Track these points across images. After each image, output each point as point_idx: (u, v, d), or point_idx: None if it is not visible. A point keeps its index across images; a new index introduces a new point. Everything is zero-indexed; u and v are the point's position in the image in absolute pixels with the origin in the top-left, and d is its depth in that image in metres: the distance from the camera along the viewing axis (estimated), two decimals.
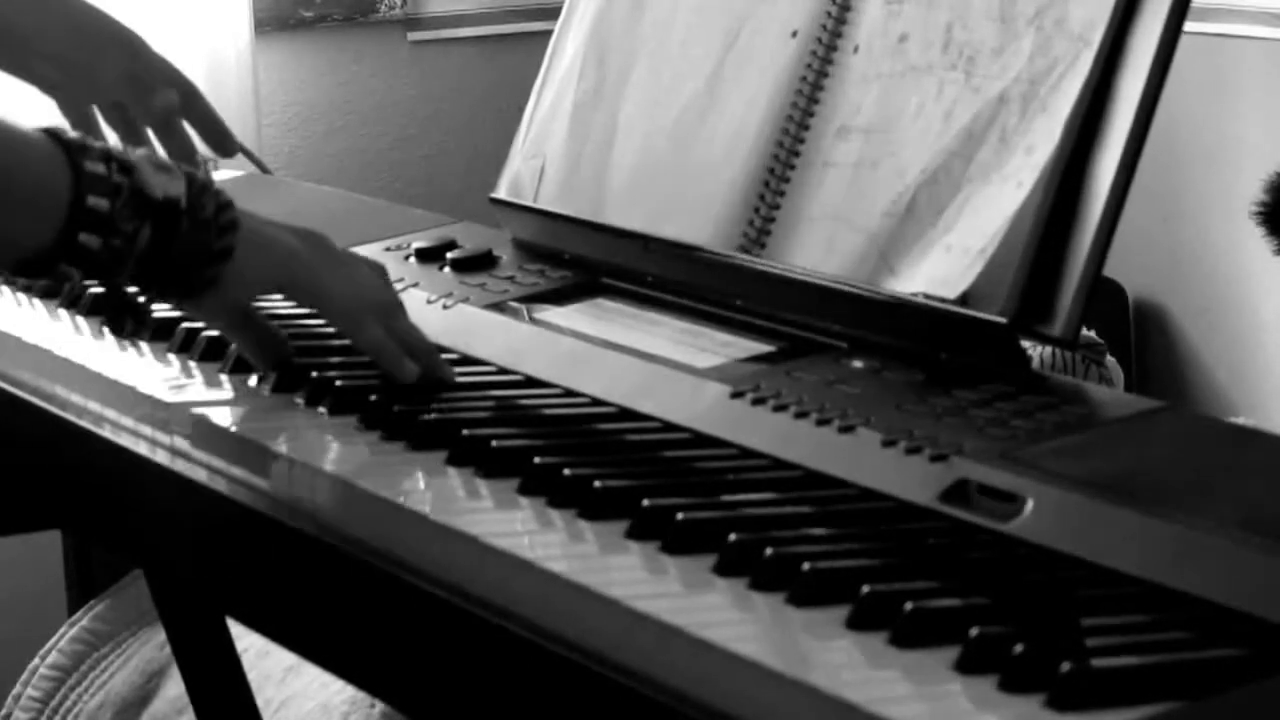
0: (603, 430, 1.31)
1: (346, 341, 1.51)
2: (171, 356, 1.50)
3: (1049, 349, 2.47)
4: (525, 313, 1.51)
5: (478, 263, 1.60)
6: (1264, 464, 1.17)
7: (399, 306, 1.42)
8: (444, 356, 1.45)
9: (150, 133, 1.77)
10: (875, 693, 0.94)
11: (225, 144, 1.79)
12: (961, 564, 1.08)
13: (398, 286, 1.57)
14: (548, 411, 1.34)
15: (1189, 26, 1.27)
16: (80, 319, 1.60)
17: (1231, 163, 2.95)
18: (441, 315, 1.51)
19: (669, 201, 1.52)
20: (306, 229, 1.42)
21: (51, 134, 1.31)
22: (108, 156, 1.31)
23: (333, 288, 1.39)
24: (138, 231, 1.31)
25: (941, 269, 1.31)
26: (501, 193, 1.66)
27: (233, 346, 1.46)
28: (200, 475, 1.33)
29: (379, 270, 1.44)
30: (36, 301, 1.66)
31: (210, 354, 1.48)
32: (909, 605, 1.00)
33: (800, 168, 1.43)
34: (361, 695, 2.01)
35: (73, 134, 1.31)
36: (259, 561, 1.32)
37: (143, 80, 1.74)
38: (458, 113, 3.23)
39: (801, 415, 1.25)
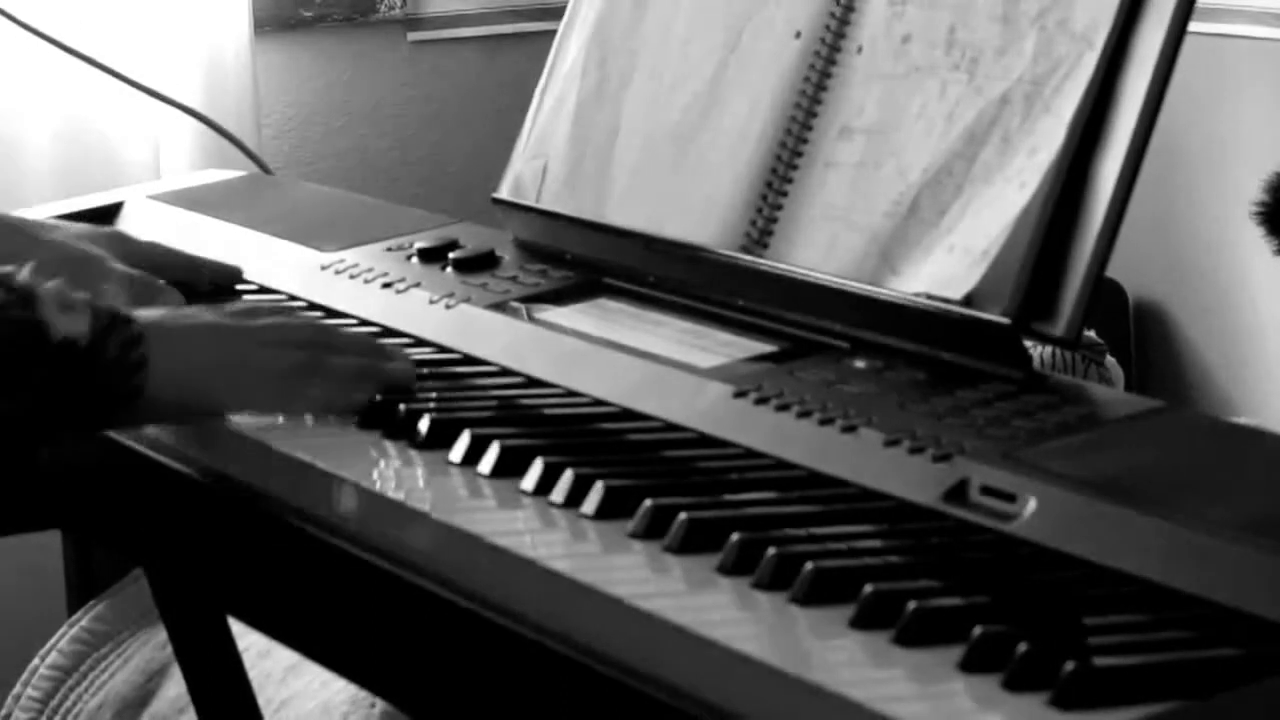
0: (605, 430, 1.31)
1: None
2: None
3: (1049, 349, 2.46)
4: (527, 313, 1.51)
5: (480, 263, 1.60)
6: (1264, 464, 1.17)
7: (323, 344, 1.37)
8: (445, 356, 1.46)
9: None
10: (879, 692, 0.94)
11: (233, 279, 1.67)
12: (964, 564, 1.08)
13: (399, 287, 1.57)
14: (550, 411, 1.34)
15: (1189, 26, 1.27)
16: None
17: (1231, 163, 2.95)
18: (443, 315, 1.52)
19: (671, 202, 1.52)
20: (217, 325, 1.37)
21: None
22: (7, 285, 1.26)
23: (253, 391, 1.34)
24: (31, 368, 1.25)
25: (944, 269, 1.32)
26: (504, 193, 1.66)
27: None
28: (201, 475, 1.33)
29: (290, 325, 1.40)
30: None
31: None
32: (912, 605, 1.00)
33: (803, 168, 1.44)
34: (362, 695, 2.01)
35: None
36: (259, 560, 1.32)
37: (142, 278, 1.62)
38: (458, 113, 3.23)
39: (804, 415, 1.25)
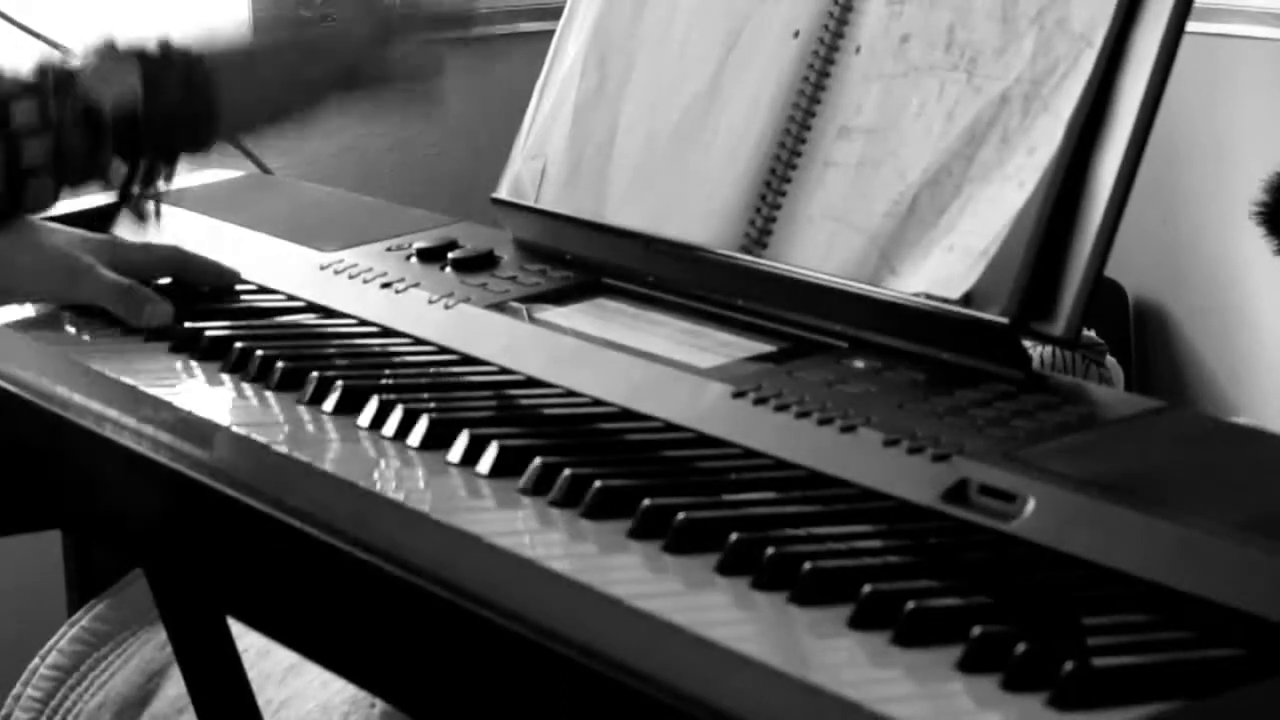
0: (604, 430, 1.31)
1: (349, 342, 1.52)
2: (173, 355, 1.50)
3: (1049, 348, 2.46)
4: (526, 313, 1.51)
5: (479, 263, 1.60)
6: (1264, 464, 1.17)
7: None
8: (445, 357, 1.46)
9: None
10: (877, 692, 0.94)
11: (229, 280, 1.68)
12: (963, 564, 1.08)
13: (398, 287, 1.57)
14: (549, 411, 1.34)
15: (1189, 26, 1.27)
16: (81, 319, 1.61)
17: (1231, 163, 2.95)
18: (443, 315, 1.52)
19: (670, 201, 1.52)
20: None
21: None
22: (43, 76, 1.29)
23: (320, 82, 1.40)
24: (97, 157, 1.30)
25: (943, 269, 1.32)
26: (503, 193, 1.66)
27: (236, 345, 1.46)
28: (201, 475, 1.33)
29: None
30: None
31: (211, 353, 1.49)
32: (911, 605, 1.00)
33: (802, 168, 1.44)
34: (362, 695, 2.00)
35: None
36: (259, 561, 1.32)
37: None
38: (457, 113, 3.23)
39: (803, 415, 1.25)
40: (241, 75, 1.35)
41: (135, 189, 1.33)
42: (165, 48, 1.31)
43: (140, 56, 1.30)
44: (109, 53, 1.30)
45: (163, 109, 1.30)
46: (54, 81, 1.28)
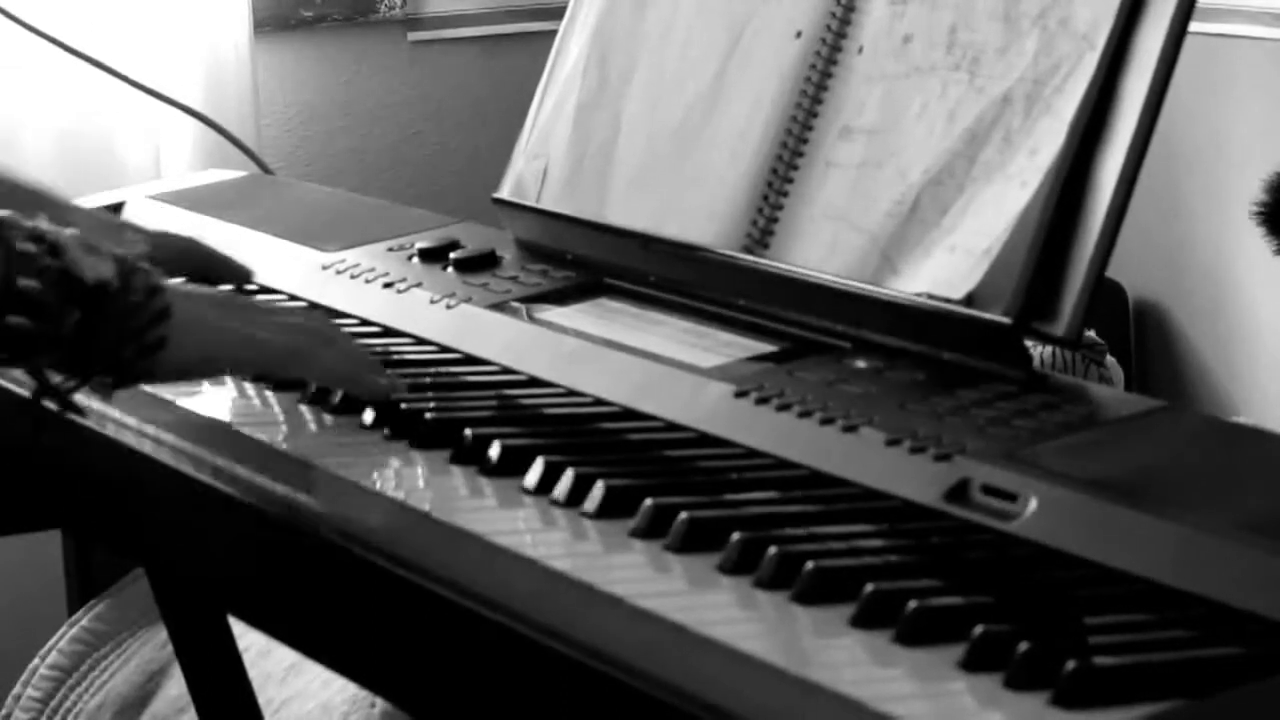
0: (606, 430, 1.31)
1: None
2: None
3: (1048, 348, 2.47)
4: (528, 313, 1.51)
5: (481, 263, 1.60)
6: (1264, 464, 1.18)
7: (334, 335, 1.40)
8: (447, 356, 1.46)
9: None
10: (880, 691, 0.94)
11: (242, 277, 1.67)
12: (965, 563, 1.08)
13: (400, 287, 1.57)
14: (551, 411, 1.35)
15: (1189, 26, 1.27)
16: None
17: (1231, 163, 2.95)
18: (444, 315, 1.52)
19: (672, 201, 1.52)
20: (228, 294, 1.41)
21: None
22: (37, 236, 1.26)
23: (269, 341, 1.36)
24: (64, 314, 1.25)
25: (945, 269, 1.32)
26: (504, 193, 1.67)
27: None
28: (202, 474, 1.33)
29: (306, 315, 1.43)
30: None
31: None
32: (913, 604, 1.00)
33: (804, 168, 1.44)
34: (362, 694, 2.01)
35: (2, 211, 1.26)
36: (260, 560, 1.32)
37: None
38: (458, 113, 3.23)
39: (805, 415, 1.25)
40: (192, 333, 1.32)
41: (63, 382, 1.29)
42: (137, 261, 1.30)
43: (114, 254, 1.28)
44: (86, 238, 1.28)
45: (124, 310, 1.27)
46: (48, 239, 1.26)
